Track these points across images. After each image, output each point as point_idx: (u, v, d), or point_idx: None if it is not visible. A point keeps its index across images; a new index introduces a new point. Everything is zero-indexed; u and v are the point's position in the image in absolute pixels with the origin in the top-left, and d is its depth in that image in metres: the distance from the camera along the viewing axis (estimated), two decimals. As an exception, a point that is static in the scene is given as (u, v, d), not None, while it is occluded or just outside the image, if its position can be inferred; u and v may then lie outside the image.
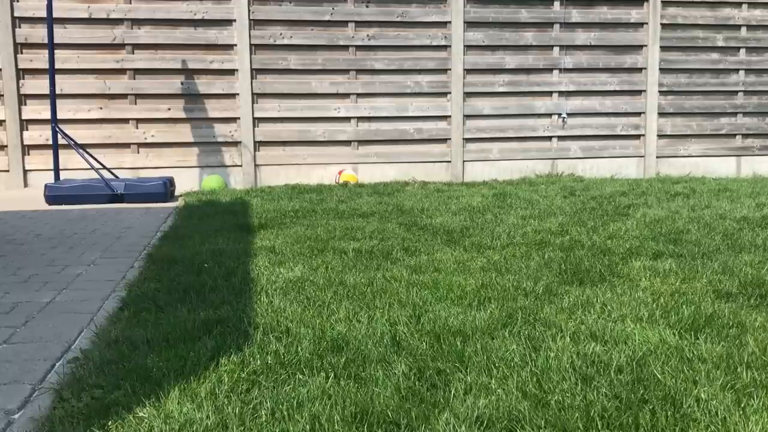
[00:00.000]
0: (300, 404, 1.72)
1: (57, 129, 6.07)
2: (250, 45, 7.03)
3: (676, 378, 1.86)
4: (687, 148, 8.03)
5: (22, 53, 6.68)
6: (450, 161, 7.52)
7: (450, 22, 7.38)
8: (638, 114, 7.87)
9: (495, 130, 7.59)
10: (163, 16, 6.87)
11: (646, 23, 7.76)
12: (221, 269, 3.15)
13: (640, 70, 7.83)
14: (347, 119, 7.32)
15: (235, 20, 6.98)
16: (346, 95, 7.31)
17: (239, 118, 7.08)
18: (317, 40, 7.18)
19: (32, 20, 6.65)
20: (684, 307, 2.51)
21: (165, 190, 5.99)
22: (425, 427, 1.61)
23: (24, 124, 6.76)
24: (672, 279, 2.96)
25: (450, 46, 7.41)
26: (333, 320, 2.39)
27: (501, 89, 7.58)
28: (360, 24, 7.25)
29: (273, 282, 2.94)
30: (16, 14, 6.64)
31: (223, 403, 1.74)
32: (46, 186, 5.86)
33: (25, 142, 6.75)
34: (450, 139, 7.50)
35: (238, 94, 7.06)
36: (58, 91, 6.29)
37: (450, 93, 7.47)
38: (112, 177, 6.28)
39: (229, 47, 7.02)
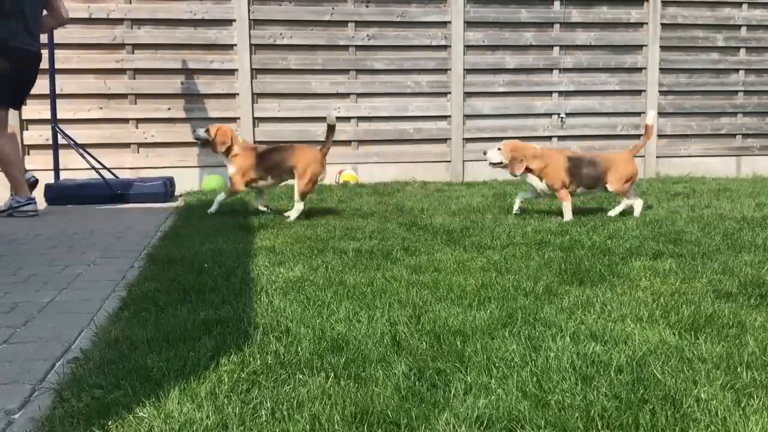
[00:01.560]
0: (300, 404, 1.72)
1: (57, 129, 6.08)
2: (250, 45, 7.03)
3: (676, 378, 1.86)
4: (687, 148, 8.04)
5: (22, 53, 6.68)
6: (450, 161, 7.52)
7: (450, 22, 7.39)
8: (638, 114, 7.87)
9: (495, 130, 7.59)
10: (163, 16, 6.87)
11: (646, 23, 7.76)
12: (221, 269, 3.15)
13: (640, 70, 7.83)
14: (347, 119, 7.33)
15: (235, 20, 6.98)
16: (346, 95, 7.31)
17: (239, 118, 7.09)
18: (317, 40, 7.19)
19: (32, 20, 6.65)
20: (684, 307, 2.51)
21: (165, 190, 6.00)
22: (425, 427, 1.61)
23: (24, 124, 6.76)
24: (672, 279, 2.96)
25: (450, 46, 7.41)
26: (333, 320, 2.39)
27: (501, 89, 7.59)
28: (360, 24, 7.26)
29: (273, 282, 2.94)
30: (16, 14, 6.64)
31: (223, 403, 1.74)
32: (46, 186, 5.87)
33: (25, 142, 6.75)
34: (450, 139, 7.51)
35: (238, 94, 7.06)
36: (58, 91, 6.29)
37: (450, 93, 7.47)
38: (112, 177, 6.29)
39: (229, 47, 7.02)
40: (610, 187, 4.71)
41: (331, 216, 4.85)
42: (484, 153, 4.76)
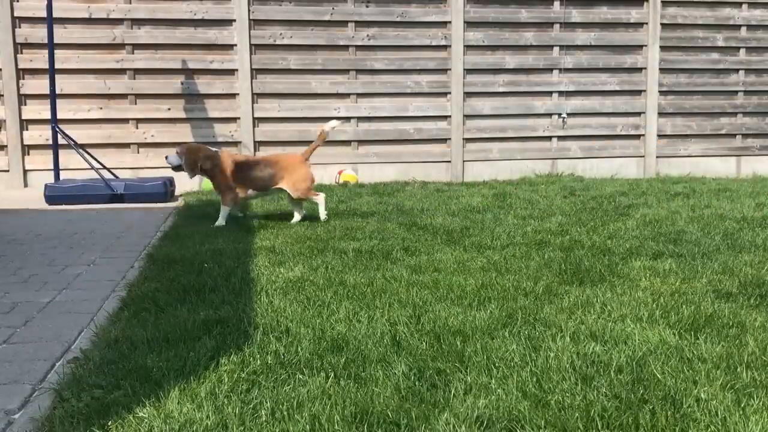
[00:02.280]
0: (300, 404, 1.72)
1: (57, 129, 6.07)
2: (250, 45, 7.03)
3: (676, 378, 1.86)
4: (687, 148, 8.03)
5: (22, 53, 6.68)
6: (450, 161, 7.52)
7: (450, 22, 7.38)
8: (638, 114, 7.87)
9: (495, 130, 7.59)
10: (163, 16, 6.87)
11: (646, 23, 7.76)
12: (221, 269, 3.15)
13: (640, 70, 7.83)
14: (347, 119, 7.32)
15: (235, 20, 6.98)
16: (346, 95, 7.31)
17: (239, 118, 7.09)
18: (317, 40, 7.19)
19: (32, 20, 6.65)
20: (684, 307, 2.51)
21: (165, 190, 5.99)
22: (425, 427, 1.61)
23: (24, 124, 6.76)
24: (672, 279, 2.96)
25: (450, 46, 7.41)
26: (333, 320, 2.39)
27: (501, 89, 7.58)
28: (360, 24, 7.26)
29: (273, 282, 2.94)
30: (16, 14, 6.64)
31: (223, 403, 1.74)
32: (46, 186, 5.86)
33: (25, 142, 6.75)
34: (450, 139, 7.51)
35: (238, 94, 7.06)
36: (58, 91, 6.29)
37: (450, 93, 7.47)
38: (112, 177, 6.28)
39: (229, 47, 7.02)
40: (290, 191, 4.64)
41: (331, 216, 4.84)
42: (167, 158, 4.70)
